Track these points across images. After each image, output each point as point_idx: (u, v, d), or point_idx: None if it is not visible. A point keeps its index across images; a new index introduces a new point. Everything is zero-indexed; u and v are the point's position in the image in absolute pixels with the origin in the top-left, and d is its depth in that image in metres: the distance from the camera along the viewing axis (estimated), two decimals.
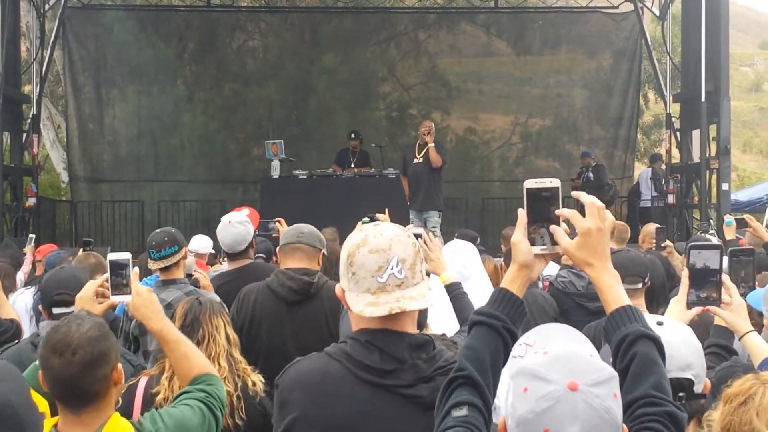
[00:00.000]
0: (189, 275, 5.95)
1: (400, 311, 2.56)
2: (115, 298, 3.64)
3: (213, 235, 9.47)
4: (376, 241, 2.62)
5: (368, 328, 2.64)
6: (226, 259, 8.18)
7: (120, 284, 3.64)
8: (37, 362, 3.23)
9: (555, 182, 2.39)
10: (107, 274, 3.68)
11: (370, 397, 2.61)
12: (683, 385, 2.74)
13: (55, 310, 4.39)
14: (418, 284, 2.63)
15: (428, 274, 4.80)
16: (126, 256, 3.70)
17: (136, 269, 3.65)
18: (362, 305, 2.58)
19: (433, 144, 13.31)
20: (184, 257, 5.66)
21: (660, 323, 2.84)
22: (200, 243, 8.41)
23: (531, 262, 2.37)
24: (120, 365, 2.98)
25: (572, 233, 2.36)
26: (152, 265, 5.59)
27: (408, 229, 3.00)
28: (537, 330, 2.58)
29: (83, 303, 3.62)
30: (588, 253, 2.35)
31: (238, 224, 6.17)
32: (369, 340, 2.63)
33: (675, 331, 2.81)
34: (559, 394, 2.03)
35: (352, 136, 15.94)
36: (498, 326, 2.32)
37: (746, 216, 8.21)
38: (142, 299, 3.49)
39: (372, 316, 2.57)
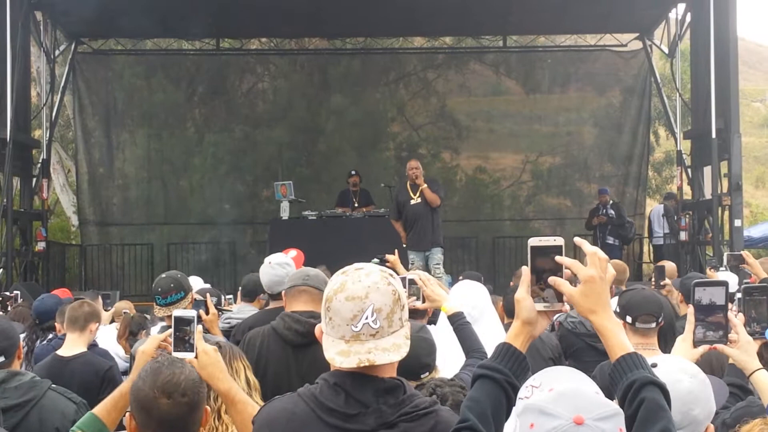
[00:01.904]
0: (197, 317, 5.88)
1: (369, 364, 2.56)
2: (177, 355, 3.57)
3: (223, 277, 9.41)
4: (354, 288, 2.60)
5: (340, 370, 2.63)
6: (231, 302, 8.15)
7: (183, 340, 3.62)
8: (94, 411, 3.39)
9: (559, 240, 2.46)
10: (171, 330, 3.66)
11: None
12: None
13: None
14: (396, 332, 2.61)
15: (435, 318, 4.74)
16: (192, 313, 3.69)
17: (200, 327, 3.63)
18: (334, 353, 2.59)
19: (425, 185, 13.11)
20: (191, 302, 5.60)
21: (654, 365, 2.75)
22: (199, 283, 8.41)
23: (534, 319, 2.41)
24: (208, 408, 3.12)
25: (574, 282, 2.41)
26: (158, 312, 5.53)
27: (407, 274, 2.95)
28: (542, 372, 2.63)
29: (145, 357, 3.58)
30: (592, 300, 2.39)
31: (277, 266, 6.13)
32: (337, 383, 2.63)
33: (662, 374, 2.71)
34: (565, 428, 2.07)
35: (353, 173, 15.92)
36: (501, 380, 2.36)
37: (744, 252, 8.17)
38: (210, 359, 3.48)
39: (341, 366, 2.58)
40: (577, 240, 2.53)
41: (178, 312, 3.70)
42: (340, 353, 2.57)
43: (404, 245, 12.86)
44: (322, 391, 2.64)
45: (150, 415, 2.96)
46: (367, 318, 2.56)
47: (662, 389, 2.33)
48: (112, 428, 3.47)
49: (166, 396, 2.94)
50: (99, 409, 3.48)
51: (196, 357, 3.43)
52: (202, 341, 3.54)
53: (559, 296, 2.40)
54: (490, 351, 4.29)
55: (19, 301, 9.16)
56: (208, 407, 3.10)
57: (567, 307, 2.46)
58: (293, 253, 7.17)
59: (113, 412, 3.45)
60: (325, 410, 2.61)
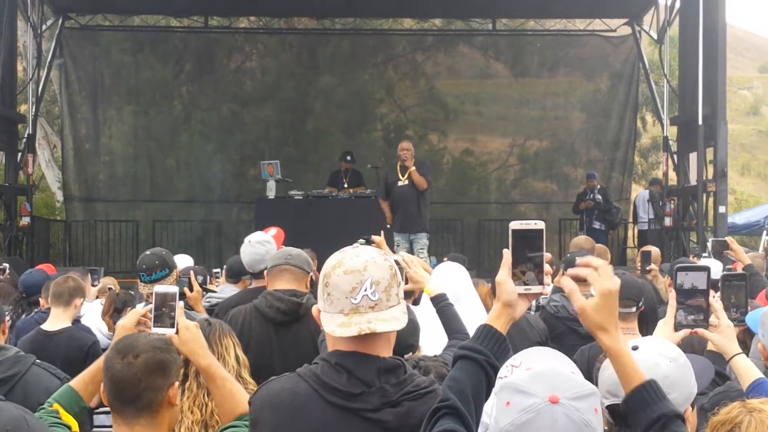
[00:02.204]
0: (180, 295, 5.88)
1: (370, 332, 2.58)
2: (157, 330, 3.55)
3: (208, 255, 9.42)
4: (352, 262, 2.64)
5: (340, 350, 2.66)
6: (219, 276, 8.14)
7: (163, 316, 3.58)
8: (71, 384, 3.38)
9: (540, 224, 2.46)
10: (151, 305, 3.64)
11: (336, 420, 2.62)
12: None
13: None
14: (393, 307, 2.64)
15: (418, 299, 4.77)
16: (174, 289, 3.66)
17: (182, 303, 3.61)
18: (334, 325, 2.60)
19: (414, 168, 13.05)
20: (176, 279, 5.60)
21: (635, 348, 2.79)
22: (187, 262, 8.40)
23: (515, 301, 2.43)
24: (177, 385, 3.03)
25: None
26: (143, 289, 5.53)
27: (392, 256, 2.97)
28: (522, 353, 2.65)
29: (123, 332, 3.55)
30: (605, 316, 2.39)
31: (257, 244, 6.10)
32: (339, 362, 2.65)
33: (640, 358, 2.75)
34: (540, 406, 2.09)
35: (348, 158, 15.81)
36: (481, 360, 2.37)
37: (728, 238, 8.20)
38: (191, 334, 3.45)
39: (342, 336, 2.59)
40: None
41: (159, 288, 3.69)
42: (340, 325, 2.59)
43: (388, 226, 12.84)
44: (323, 370, 2.66)
45: (106, 379, 2.97)
46: (366, 290, 2.60)
47: (683, 420, 2.37)
48: (89, 400, 3.45)
49: (121, 356, 2.95)
50: (76, 382, 3.47)
51: (177, 333, 3.42)
52: (183, 317, 3.53)
53: (540, 279, 2.43)
54: (471, 331, 4.34)
55: (6, 274, 9.13)
56: (177, 384, 3.04)
57: (547, 290, 2.49)
58: (273, 231, 7.15)
59: (90, 385, 3.44)
60: (328, 389, 2.63)
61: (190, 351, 3.44)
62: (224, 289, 7.08)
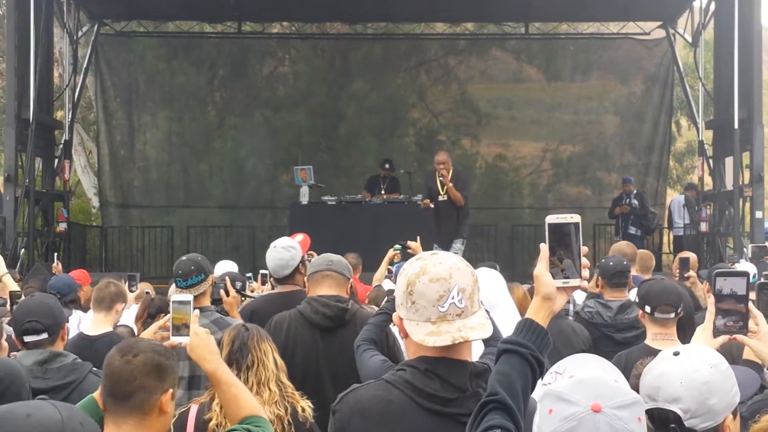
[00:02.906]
0: (216, 301, 5.92)
1: (463, 341, 2.59)
2: (175, 340, 3.64)
3: (242, 260, 9.47)
4: (436, 270, 2.64)
5: (426, 356, 2.66)
6: (252, 281, 8.17)
7: (181, 325, 3.66)
8: (93, 394, 3.34)
9: (576, 217, 2.47)
10: (170, 315, 3.70)
11: (434, 426, 2.64)
12: (668, 417, 2.66)
13: (26, 338, 4.33)
14: (477, 313, 2.66)
15: None
16: (188, 297, 3.72)
17: (197, 311, 3.66)
18: (423, 334, 2.60)
19: (451, 184, 12.73)
20: (212, 285, 5.62)
21: (676, 353, 2.77)
22: (231, 268, 8.44)
23: (553, 294, 2.43)
24: (171, 393, 3.03)
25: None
26: (179, 294, 5.55)
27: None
28: (567, 359, 2.63)
29: None
30: None
31: (281, 249, 6.09)
32: (429, 369, 2.65)
33: (679, 363, 2.73)
34: (582, 415, 2.09)
35: (387, 166, 15.80)
36: (526, 354, 2.37)
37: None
38: (200, 340, 3.49)
39: (435, 345, 2.59)
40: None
41: (176, 296, 3.74)
42: (430, 333, 2.59)
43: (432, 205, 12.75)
44: (415, 376, 2.66)
45: (105, 373, 3.00)
46: (453, 298, 2.60)
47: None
48: None
49: (121, 354, 2.97)
50: (98, 392, 3.47)
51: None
52: (196, 325, 3.56)
53: (577, 272, 2.43)
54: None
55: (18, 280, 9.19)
56: (171, 392, 3.04)
57: (585, 283, 2.48)
58: (299, 237, 7.15)
59: None
60: (424, 396, 2.63)
61: (198, 356, 3.48)
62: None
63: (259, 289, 8.31)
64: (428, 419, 2.63)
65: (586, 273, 2.45)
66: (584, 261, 2.44)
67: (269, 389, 4.14)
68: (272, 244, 6.22)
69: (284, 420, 4.11)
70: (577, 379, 2.18)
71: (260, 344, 4.24)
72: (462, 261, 2.69)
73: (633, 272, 7.32)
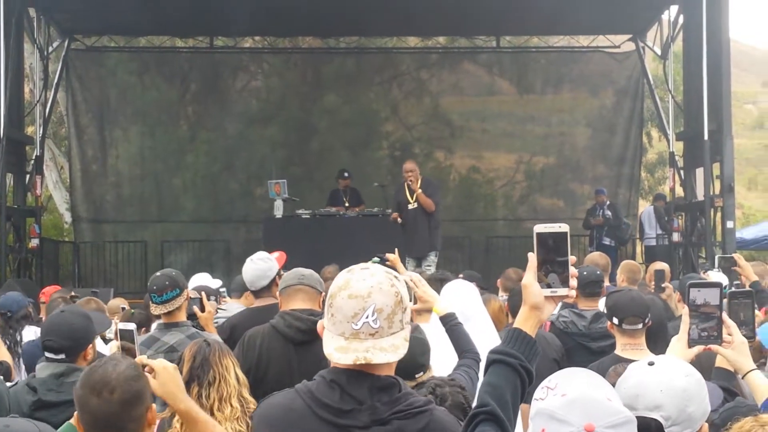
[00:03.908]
0: (191, 316, 5.91)
1: (365, 362, 2.59)
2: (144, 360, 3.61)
3: (216, 275, 9.45)
4: (357, 286, 2.64)
5: (338, 366, 2.68)
6: (225, 295, 8.19)
7: (128, 352, 3.72)
8: (70, 421, 3.33)
9: (564, 227, 2.49)
10: (117, 343, 3.74)
11: None
12: (649, 425, 2.69)
13: (47, 354, 4.32)
14: (395, 334, 2.64)
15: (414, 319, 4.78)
16: (131, 326, 3.79)
17: (142, 338, 3.68)
18: (332, 348, 2.63)
19: (420, 190, 12.79)
20: (187, 299, 5.62)
21: (651, 363, 2.80)
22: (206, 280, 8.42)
23: (541, 303, 2.47)
24: (154, 406, 3.04)
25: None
26: (155, 309, 5.53)
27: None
28: (559, 374, 2.63)
29: None
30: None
31: (259, 261, 6.20)
32: (334, 379, 2.67)
33: (657, 372, 2.77)
34: None
35: (345, 175, 15.87)
36: (515, 364, 2.39)
37: (735, 255, 8.24)
38: (169, 375, 3.37)
39: (338, 362, 2.63)
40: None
41: (121, 325, 3.79)
42: (338, 349, 2.61)
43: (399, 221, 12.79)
44: (318, 387, 2.69)
45: (84, 414, 2.97)
46: (367, 317, 2.60)
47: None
48: None
49: (96, 394, 2.93)
50: (74, 419, 3.47)
51: (152, 373, 3.33)
52: (160, 360, 3.46)
53: (564, 281, 2.45)
54: (481, 350, 4.34)
55: None
56: (154, 405, 3.05)
57: (572, 293, 2.49)
58: (276, 254, 7.20)
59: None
60: (320, 405, 2.65)
61: (167, 393, 3.37)
62: (230, 307, 7.13)
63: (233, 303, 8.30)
64: (323, 429, 2.64)
65: (573, 282, 2.47)
66: (572, 270, 2.46)
67: (231, 405, 4.12)
68: (249, 258, 6.28)
69: None
70: (570, 398, 2.18)
71: (222, 360, 4.22)
72: (389, 280, 2.67)
73: (607, 282, 7.41)
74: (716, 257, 10.19)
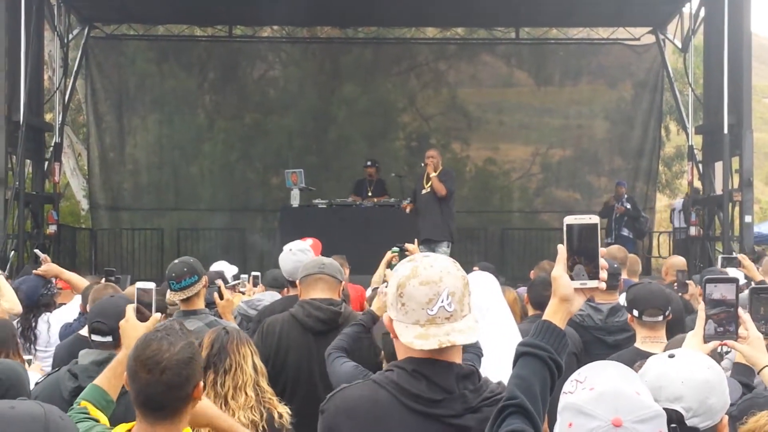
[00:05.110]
0: (210, 304, 5.93)
1: (450, 345, 2.60)
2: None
3: (232, 263, 9.48)
4: (427, 273, 2.64)
5: (414, 357, 2.67)
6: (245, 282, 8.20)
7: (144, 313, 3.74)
8: (95, 382, 3.42)
9: (594, 218, 2.48)
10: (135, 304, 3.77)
11: (419, 426, 2.65)
12: (671, 417, 2.69)
13: (94, 337, 4.35)
14: (467, 317, 2.66)
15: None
16: (150, 285, 3.79)
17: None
18: (412, 337, 2.62)
19: (435, 174, 12.81)
20: (205, 286, 5.63)
21: (672, 356, 2.81)
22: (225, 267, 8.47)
23: (571, 295, 2.46)
24: (201, 383, 3.04)
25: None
26: (173, 296, 5.55)
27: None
28: (588, 367, 2.63)
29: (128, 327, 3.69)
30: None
31: (298, 252, 6.17)
32: (416, 370, 2.66)
33: (678, 364, 2.78)
34: (603, 429, 2.09)
35: (368, 164, 15.91)
36: (544, 356, 2.39)
37: (740, 256, 8.25)
38: (134, 331, 3.51)
39: (422, 349, 2.60)
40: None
41: (140, 284, 3.81)
42: (418, 336, 2.60)
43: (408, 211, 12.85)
44: (401, 377, 2.67)
45: (132, 385, 2.99)
46: (442, 301, 2.61)
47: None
48: (114, 394, 3.50)
49: (146, 370, 2.93)
50: (100, 379, 3.52)
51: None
52: (155, 316, 3.62)
53: (594, 274, 2.44)
54: (500, 343, 4.34)
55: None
56: (201, 383, 3.05)
57: (603, 285, 2.48)
58: (310, 241, 7.20)
59: (113, 379, 3.48)
60: (410, 396, 2.64)
61: (125, 339, 3.54)
62: (265, 295, 7.16)
63: (250, 291, 8.33)
64: (414, 420, 2.63)
65: (604, 274, 2.46)
66: (602, 262, 2.45)
67: (245, 393, 4.12)
68: (287, 247, 6.27)
69: (259, 426, 4.10)
70: (598, 392, 2.17)
71: (239, 348, 4.22)
72: (453, 264, 2.70)
73: (625, 276, 7.38)
74: (719, 258, 10.16)
